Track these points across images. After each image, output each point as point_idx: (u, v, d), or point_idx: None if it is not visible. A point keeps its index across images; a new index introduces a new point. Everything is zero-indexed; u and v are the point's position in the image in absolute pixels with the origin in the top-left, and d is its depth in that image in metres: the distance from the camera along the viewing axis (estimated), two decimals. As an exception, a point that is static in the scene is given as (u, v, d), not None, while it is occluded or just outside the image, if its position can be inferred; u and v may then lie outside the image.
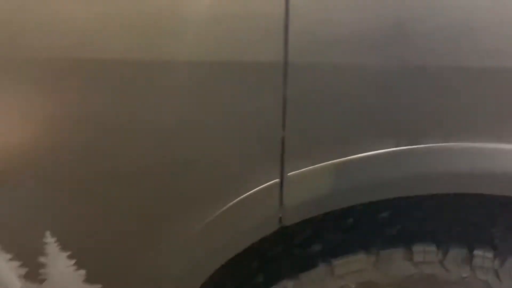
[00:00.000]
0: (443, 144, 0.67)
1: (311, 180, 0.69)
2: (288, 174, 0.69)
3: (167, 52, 0.64)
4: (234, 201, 0.72)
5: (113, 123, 0.69)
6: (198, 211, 0.74)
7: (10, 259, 0.80)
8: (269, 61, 0.63)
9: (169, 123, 0.68)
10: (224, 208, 0.73)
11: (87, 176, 0.73)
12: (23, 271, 0.82)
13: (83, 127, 0.69)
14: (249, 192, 0.71)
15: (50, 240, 0.77)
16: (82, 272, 0.82)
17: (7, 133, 0.70)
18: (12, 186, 0.74)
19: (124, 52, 0.64)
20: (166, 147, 0.71)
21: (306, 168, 0.69)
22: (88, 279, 0.83)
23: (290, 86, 0.63)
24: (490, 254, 0.80)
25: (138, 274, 0.83)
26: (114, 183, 0.74)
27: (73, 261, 0.80)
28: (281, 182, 0.70)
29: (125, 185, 0.74)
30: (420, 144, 0.67)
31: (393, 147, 0.67)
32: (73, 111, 0.68)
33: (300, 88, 0.64)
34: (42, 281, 0.83)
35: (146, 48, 0.64)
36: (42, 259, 0.80)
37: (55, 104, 0.68)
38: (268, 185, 0.70)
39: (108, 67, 0.65)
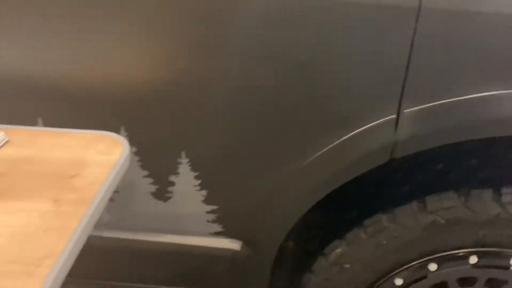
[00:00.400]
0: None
1: (424, 117, 0.79)
2: (405, 111, 0.79)
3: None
4: (351, 133, 0.82)
5: (254, 52, 0.78)
6: (316, 141, 0.84)
7: (145, 176, 0.92)
8: (403, 4, 0.72)
9: (304, 56, 0.77)
10: (341, 139, 0.83)
11: (222, 105, 0.84)
12: (153, 188, 0.94)
13: (228, 56, 0.79)
14: (366, 126, 0.81)
15: (184, 161, 0.89)
16: (204, 192, 0.94)
17: (159, 56, 0.81)
18: (155, 107, 0.85)
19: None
20: (294, 79, 0.80)
21: (422, 106, 0.78)
22: (207, 200, 0.95)
23: (420, 30, 0.72)
24: None
25: (251, 199, 0.94)
26: (244, 112, 0.84)
27: (198, 182, 0.92)
28: (397, 118, 0.79)
29: (252, 114, 0.84)
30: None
31: (502, 90, 0.76)
32: (221, 41, 0.79)
33: (428, 32, 0.72)
34: (167, 199, 0.96)
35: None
36: (172, 178, 0.92)
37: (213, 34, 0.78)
38: (384, 120, 0.80)
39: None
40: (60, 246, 0.53)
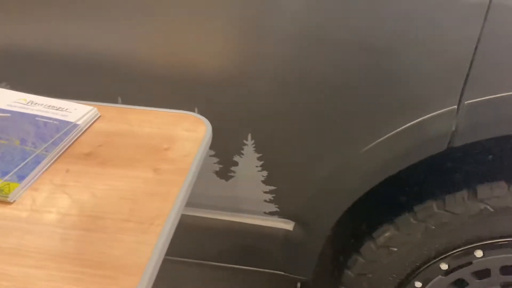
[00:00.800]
0: None
1: (483, 109, 0.83)
2: (465, 102, 0.83)
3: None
4: (413, 122, 0.87)
5: (323, 37, 0.82)
6: (377, 128, 0.89)
7: (211, 155, 0.98)
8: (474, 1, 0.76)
9: (373, 43, 0.81)
10: (403, 127, 0.87)
11: (288, 90, 0.89)
12: (217, 167, 1.00)
13: (296, 40, 0.83)
14: (428, 116, 0.85)
15: (249, 142, 0.95)
16: (264, 173, 0.99)
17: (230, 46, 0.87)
18: (226, 91, 0.90)
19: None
20: (361, 66, 0.83)
21: (482, 98, 0.82)
22: (266, 180, 1.00)
23: (488, 24, 0.76)
24: None
25: (309, 181, 1.00)
26: (309, 97, 0.89)
27: (261, 163, 0.98)
28: (458, 109, 0.84)
29: (316, 100, 0.89)
30: None
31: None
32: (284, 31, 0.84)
33: (495, 27, 0.76)
34: (229, 178, 1.01)
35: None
36: (236, 158, 0.98)
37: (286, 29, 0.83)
38: (445, 111, 0.84)
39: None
40: (167, 209, 0.59)
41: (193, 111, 0.92)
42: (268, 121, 0.92)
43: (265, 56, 0.86)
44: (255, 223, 1.09)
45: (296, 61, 0.85)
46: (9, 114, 0.73)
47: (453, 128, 0.86)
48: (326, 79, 0.87)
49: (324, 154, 0.95)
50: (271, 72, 0.87)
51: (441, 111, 0.85)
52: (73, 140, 0.70)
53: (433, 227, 1.00)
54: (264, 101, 0.90)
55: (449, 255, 1.03)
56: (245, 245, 1.14)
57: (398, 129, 0.88)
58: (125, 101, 0.92)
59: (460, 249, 1.01)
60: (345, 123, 0.91)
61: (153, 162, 0.68)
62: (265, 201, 1.04)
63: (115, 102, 0.92)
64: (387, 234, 1.04)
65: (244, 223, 1.09)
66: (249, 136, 0.94)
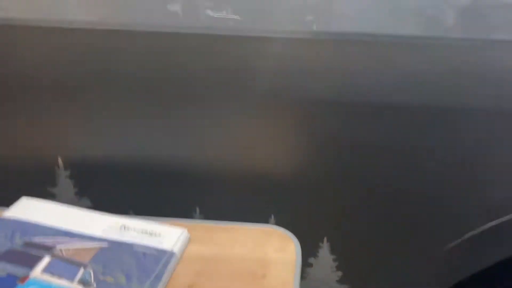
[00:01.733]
0: None
1: None
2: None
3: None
4: (501, 219, 0.87)
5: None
6: (461, 226, 0.89)
7: (286, 258, 0.98)
8: None
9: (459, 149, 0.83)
10: (491, 224, 0.87)
11: (363, 193, 0.90)
12: (291, 268, 1.00)
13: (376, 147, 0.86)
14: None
15: (325, 245, 0.95)
16: (339, 273, 0.99)
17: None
18: (300, 196, 0.92)
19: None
20: (442, 172, 0.86)
21: None
22: (341, 280, 1.00)
23: None
24: None
25: (386, 280, 0.99)
26: (383, 199, 0.90)
27: (335, 264, 0.98)
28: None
29: (392, 202, 0.90)
30: None
31: None
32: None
33: None
34: (303, 278, 1.01)
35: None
36: (311, 260, 0.98)
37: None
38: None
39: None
40: None
41: (269, 217, 0.93)
42: (345, 223, 0.93)
43: (339, 159, 0.88)
44: (327, 319, 1.08)
45: (374, 169, 0.87)
46: (106, 244, 0.75)
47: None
48: (407, 185, 0.88)
49: (404, 253, 0.95)
50: (347, 175, 0.89)
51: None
52: (173, 271, 0.72)
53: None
54: (341, 204, 0.91)
55: None
56: None
57: (485, 227, 0.88)
58: (203, 211, 0.94)
59: None
60: (428, 222, 0.91)
61: (254, 293, 0.68)
62: (339, 298, 1.03)
63: (193, 212, 0.94)
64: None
65: (316, 319, 1.08)
66: (325, 239, 0.95)
